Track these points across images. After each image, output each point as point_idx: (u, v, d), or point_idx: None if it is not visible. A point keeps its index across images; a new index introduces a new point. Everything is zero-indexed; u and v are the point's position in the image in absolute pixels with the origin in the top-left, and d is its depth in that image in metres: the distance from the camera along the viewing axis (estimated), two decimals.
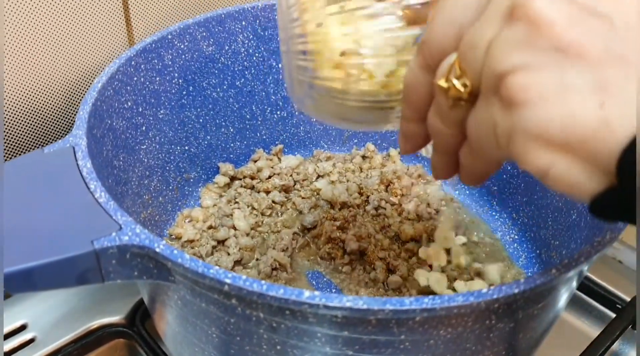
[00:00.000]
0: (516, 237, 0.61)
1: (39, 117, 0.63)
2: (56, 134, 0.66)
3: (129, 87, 0.52)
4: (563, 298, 0.40)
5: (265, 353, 0.38)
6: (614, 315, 0.57)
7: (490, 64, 0.26)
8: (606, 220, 0.27)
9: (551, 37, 0.24)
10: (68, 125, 0.67)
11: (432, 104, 0.32)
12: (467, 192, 0.66)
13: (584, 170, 0.24)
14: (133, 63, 0.52)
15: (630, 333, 0.56)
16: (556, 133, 0.24)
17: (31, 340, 0.53)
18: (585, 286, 0.60)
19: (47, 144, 0.59)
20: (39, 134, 0.64)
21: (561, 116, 0.24)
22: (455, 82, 0.29)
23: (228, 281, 0.32)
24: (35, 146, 0.64)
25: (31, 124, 0.63)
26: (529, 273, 0.57)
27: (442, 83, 0.29)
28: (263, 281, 0.32)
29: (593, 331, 0.57)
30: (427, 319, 0.33)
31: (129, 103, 0.52)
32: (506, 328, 0.37)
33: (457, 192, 0.66)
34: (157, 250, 0.34)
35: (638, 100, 0.23)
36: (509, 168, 0.62)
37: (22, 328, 0.54)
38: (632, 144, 0.23)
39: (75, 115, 0.45)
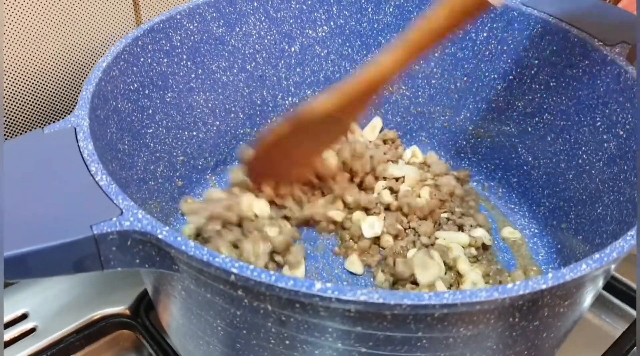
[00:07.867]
0: (536, 231, 0.59)
1: (41, 96, 0.61)
2: (58, 115, 0.64)
3: (135, 68, 0.50)
4: (590, 296, 0.38)
5: (272, 348, 0.35)
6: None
7: None
8: None
9: None
10: (70, 107, 0.65)
11: None
12: (485, 183, 0.64)
13: None
14: (140, 43, 0.50)
15: None
16: None
17: (32, 330, 0.52)
18: (607, 283, 0.58)
19: (48, 125, 0.57)
20: (40, 115, 0.62)
21: None
22: None
23: (235, 271, 0.30)
24: (35, 127, 0.63)
25: (32, 104, 0.61)
26: (549, 270, 0.55)
27: None
28: (272, 272, 0.30)
29: (616, 330, 0.54)
30: (447, 315, 0.31)
31: (135, 85, 0.50)
32: (530, 326, 0.35)
33: (475, 183, 0.64)
34: (160, 236, 0.32)
35: None
36: (529, 159, 0.59)
37: (23, 317, 0.53)
38: None
39: (78, 96, 0.43)
